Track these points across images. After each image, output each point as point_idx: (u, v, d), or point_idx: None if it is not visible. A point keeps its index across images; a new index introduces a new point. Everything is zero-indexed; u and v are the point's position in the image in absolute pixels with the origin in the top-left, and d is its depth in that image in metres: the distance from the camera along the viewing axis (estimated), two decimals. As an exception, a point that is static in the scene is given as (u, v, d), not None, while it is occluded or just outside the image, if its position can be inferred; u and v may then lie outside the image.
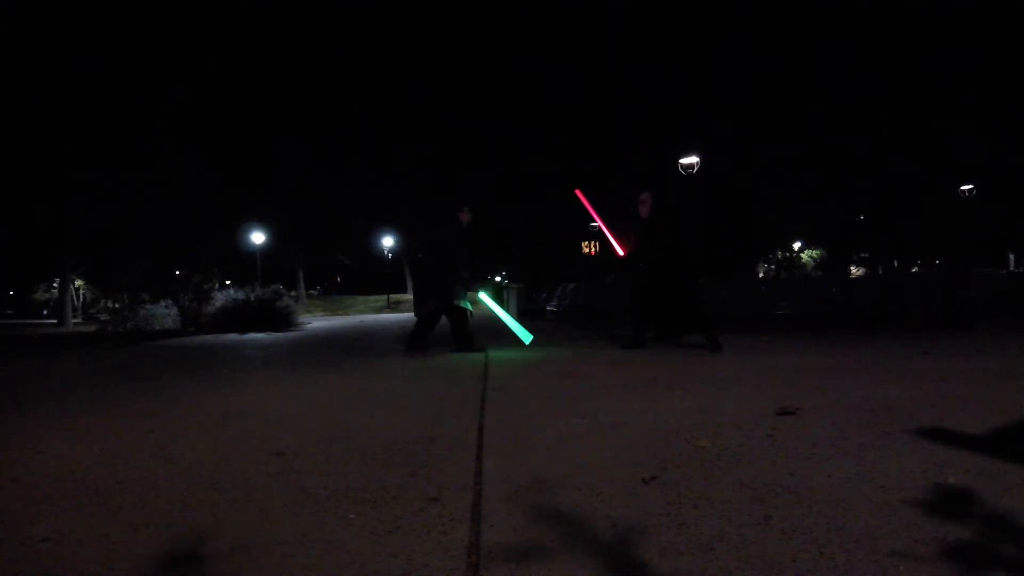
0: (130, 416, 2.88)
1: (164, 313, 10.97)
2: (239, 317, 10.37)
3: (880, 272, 28.99)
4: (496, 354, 5.20)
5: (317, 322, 15.25)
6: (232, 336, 9.26)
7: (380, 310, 28.57)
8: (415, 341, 5.74)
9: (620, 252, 5.73)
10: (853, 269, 34.35)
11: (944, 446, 1.99)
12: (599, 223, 5.91)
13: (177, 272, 12.30)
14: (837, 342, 5.68)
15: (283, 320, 10.73)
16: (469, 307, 5.64)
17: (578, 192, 5.96)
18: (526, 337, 5.38)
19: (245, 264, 25.98)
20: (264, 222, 27.91)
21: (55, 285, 32.62)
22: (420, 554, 1.32)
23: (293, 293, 25.31)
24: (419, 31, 32.98)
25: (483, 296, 5.77)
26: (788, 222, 29.88)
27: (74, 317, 27.38)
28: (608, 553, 1.30)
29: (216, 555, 1.35)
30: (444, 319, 5.73)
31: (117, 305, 13.54)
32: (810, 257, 37.52)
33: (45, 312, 36.17)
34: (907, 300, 8.00)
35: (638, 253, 5.58)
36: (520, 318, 13.95)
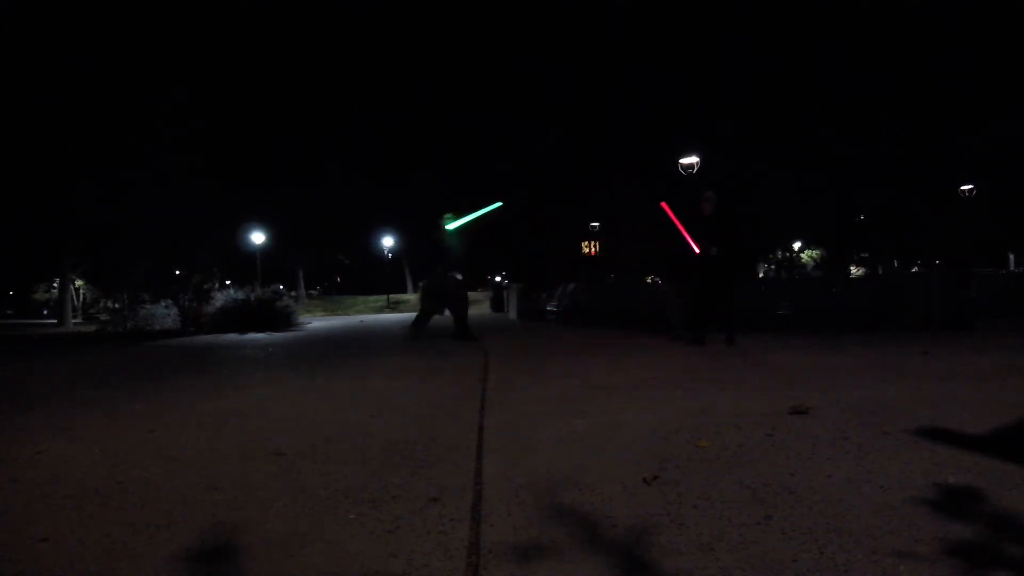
0: (130, 416, 2.88)
1: (164, 313, 10.95)
2: (239, 317, 10.36)
3: (880, 272, 28.99)
4: (496, 354, 5.20)
5: (317, 322, 15.25)
6: (232, 336, 9.26)
7: (380, 310, 28.56)
8: (414, 331, 6.31)
9: (696, 250, 5.81)
10: (853, 269, 34.33)
11: (944, 446, 1.99)
12: (681, 229, 6.04)
13: (177, 272, 12.29)
14: (837, 342, 5.68)
15: (283, 320, 10.72)
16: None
17: (664, 205, 6.15)
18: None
19: (245, 264, 25.97)
20: (264, 222, 27.90)
21: (55, 285, 32.60)
22: (420, 554, 1.32)
23: (293, 293, 25.31)
24: (419, 31, 33.01)
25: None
26: (788, 222, 29.88)
27: (74, 317, 27.36)
28: (608, 553, 1.30)
29: (216, 555, 1.35)
30: (447, 314, 6.26)
31: (117, 305, 13.53)
32: (810, 257, 37.50)
33: (45, 312, 36.13)
34: (907, 300, 7.99)
35: (702, 251, 5.71)
36: (520, 318, 13.97)
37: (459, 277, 6.20)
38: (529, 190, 27.29)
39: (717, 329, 5.61)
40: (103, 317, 18.33)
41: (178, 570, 1.29)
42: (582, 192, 26.84)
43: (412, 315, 6.38)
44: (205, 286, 11.69)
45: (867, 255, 33.40)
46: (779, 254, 37.09)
